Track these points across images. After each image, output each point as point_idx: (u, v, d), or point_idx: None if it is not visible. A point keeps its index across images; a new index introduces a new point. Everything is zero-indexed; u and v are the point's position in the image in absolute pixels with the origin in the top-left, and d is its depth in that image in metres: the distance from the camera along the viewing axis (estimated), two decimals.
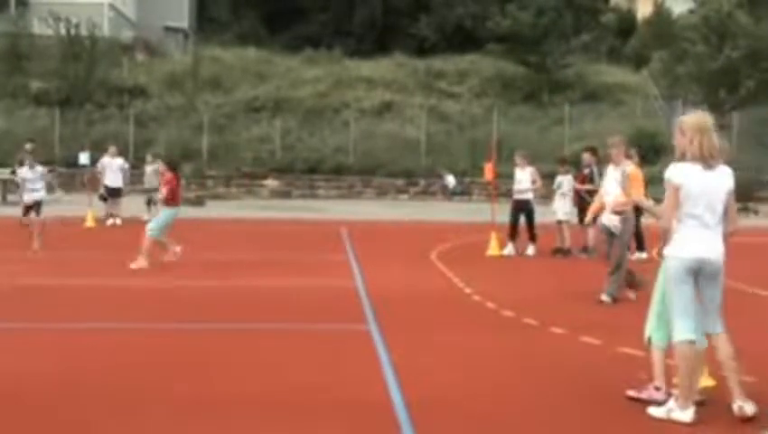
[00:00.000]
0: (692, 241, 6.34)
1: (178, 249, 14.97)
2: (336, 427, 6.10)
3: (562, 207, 17.48)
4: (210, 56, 46.85)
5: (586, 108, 42.57)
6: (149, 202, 24.10)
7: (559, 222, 17.44)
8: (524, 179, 17.80)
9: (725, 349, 6.45)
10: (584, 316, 10.52)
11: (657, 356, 6.77)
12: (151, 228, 14.78)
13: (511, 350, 8.63)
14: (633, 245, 14.99)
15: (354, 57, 49.29)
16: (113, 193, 22.94)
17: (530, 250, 17.48)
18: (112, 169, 23.06)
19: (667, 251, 6.44)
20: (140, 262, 14.24)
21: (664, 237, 6.53)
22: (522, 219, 17.68)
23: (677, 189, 6.32)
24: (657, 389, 6.67)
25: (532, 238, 17.62)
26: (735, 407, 6.30)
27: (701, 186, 6.30)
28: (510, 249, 17.42)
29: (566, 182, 17.52)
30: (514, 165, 18.20)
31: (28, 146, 23.49)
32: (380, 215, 28.39)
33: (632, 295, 11.54)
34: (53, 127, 39.09)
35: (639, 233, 15.93)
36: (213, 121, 40.69)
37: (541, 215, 18.19)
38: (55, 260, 15.43)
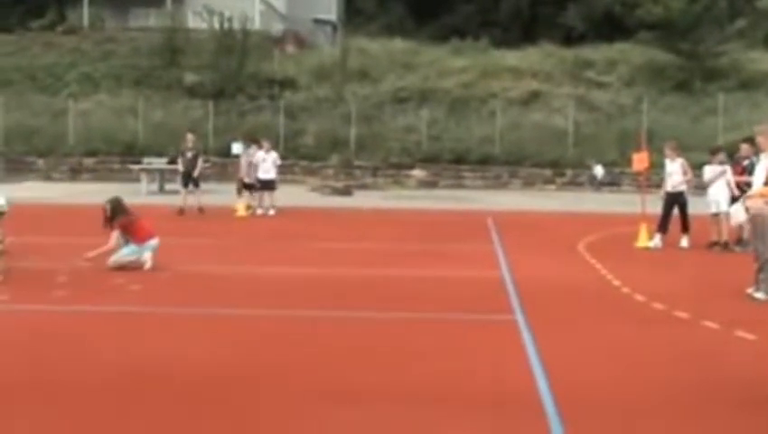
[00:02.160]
0: None
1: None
2: (482, 416, 6.15)
3: (716, 198, 16.93)
4: (357, 47, 47.26)
5: (741, 96, 41.18)
6: (243, 191, 24.47)
7: (715, 215, 16.93)
8: (675, 171, 17.41)
9: None
10: (737, 311, 10.26)
11: None
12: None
13: (662, 344, 8.49)
14: None
15: (501, 47, 48.87)
16: (267, 186, 23.43)
17: (684, 241, 17.09)
18: (267, 162, 23.52)
19: None
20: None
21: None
22: (675, 211, 17.31)
23: None
24: None
25: (685, 229, 17.22)
26: None
27: None
28: (656, 241, 17.06)
29: (728, 173, 16.94)
30: (664, 156, 17.86)
31: (190, 136, 24.33)
32: (527, 205, 28.20)
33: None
34: (207, 119, 40.16)
35: None
36: (361, 112, 41.07)
37: (697, 207, 17.78)
38: (208, 248, 15.92)
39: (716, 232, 16.86)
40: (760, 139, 11.64)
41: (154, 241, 13.48)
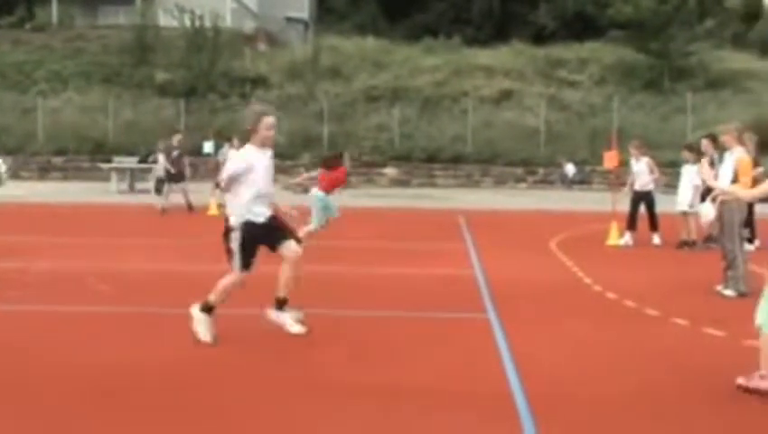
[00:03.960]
0: None
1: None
2: (454, 416, 6.14)
3: (686, 197, 16.97)
4: (329, 46, 47.25)
5: (709, 95, 41.54)
6: (159, 190, 24.43)
7: (684, 214, 17.00)
8: (641, 170, 17.55)
9: None
10: (707, 308, 10.34)
11: (765, 344, 6.67)
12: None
13: (633, 341, 8.53)
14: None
15: (473, 45, 49.06)
16: None
17: (656, 239, 17.22)
18: None
19: None
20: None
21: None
22: (643, 209, 17.44)
23: None
24: (762, 377, 6.60)
25: (655, 227, 17.34)
26: None
27: None
28: (627, 239, 17.19)
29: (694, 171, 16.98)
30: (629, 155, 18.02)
31: (177, 136, 24.48)
32: (499, 204, 28.28)
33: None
34: (178, 117, 40.01)
35: (751, 224, 15.58)
36: (333, 110, 41.07)
37: (666, 205, 17.88)
38: (181, 247, 15.84)
39: (685, 231, 16.94)
40: (725, 138, 11.76)
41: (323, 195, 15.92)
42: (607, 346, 8.30)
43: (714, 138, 16.41)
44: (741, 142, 11.76)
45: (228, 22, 47.77)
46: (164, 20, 46.59)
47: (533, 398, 6.46)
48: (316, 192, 16.06)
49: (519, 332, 8.72)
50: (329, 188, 15.99)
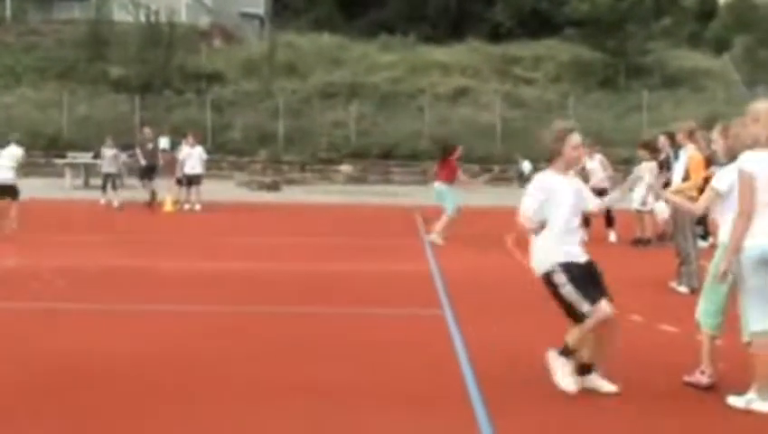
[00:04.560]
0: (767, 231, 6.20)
1: None
2: (409, 413, 6.12)
3: (640, 195, 17.08)
4: (285, 42, 47.09)
5: (665, 93, 41.88)
6: (105, 186, 24.24)
7: (638, 212, 17.12)
8: (595, 168, 17.67)
9: None
10: (661, 304, 10.44)
11: (705, 340, 6.79)
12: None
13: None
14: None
15: (429, 43, 49.10)
16: (193, 181, 23.30)
17: (612, 236, 17.33)
18: (192, 157, 23.38)
19: (746, 242, 6.26)
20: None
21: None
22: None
23: (752, 178, 6.18)
24: (702, 373, 6.72)
25: (610, 224, 17.45)
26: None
27: None
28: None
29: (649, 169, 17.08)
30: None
31: (147, 129, 24.50)
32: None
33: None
34: (133, 113, 39.68)
35: (705, 221, 15.75)
36: (289, 106, 40.92)
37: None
38: (135, 243, 15.72)
39: (639, 229, 17.07)
40: (679, 136, 11.93)
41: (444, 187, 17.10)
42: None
43: (671, 136, 16.55)
44: (693, 140, 11.90)
45: (183, 17, 47.46)
46: (119, 15, 46.17)
47: (489, 395, 6.46)
48: (437, 185, 17.37)
49: (475, 328, 8.73)
50: (447, 179, 17.02)
